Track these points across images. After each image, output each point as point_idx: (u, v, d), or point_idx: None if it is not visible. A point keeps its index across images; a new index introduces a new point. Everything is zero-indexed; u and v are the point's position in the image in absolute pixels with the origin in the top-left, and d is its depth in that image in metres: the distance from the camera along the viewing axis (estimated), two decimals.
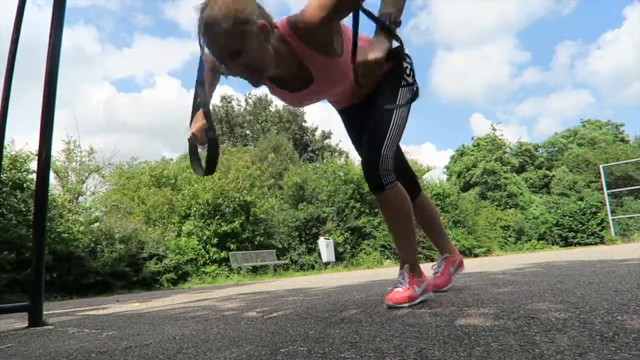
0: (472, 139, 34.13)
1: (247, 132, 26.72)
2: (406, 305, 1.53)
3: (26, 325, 2.07)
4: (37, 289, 2.08)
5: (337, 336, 1.09)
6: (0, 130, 2.08)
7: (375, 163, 1.50)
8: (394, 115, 1.54)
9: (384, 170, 1.50)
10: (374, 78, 1.33)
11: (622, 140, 33.43)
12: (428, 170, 19.11)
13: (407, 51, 1.49)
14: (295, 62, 1.37)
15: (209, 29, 1.22)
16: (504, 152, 30.70)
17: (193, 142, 1.55)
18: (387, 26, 1.28)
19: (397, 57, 1.43)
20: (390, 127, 1.53)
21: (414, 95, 1.56)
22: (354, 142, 1.88)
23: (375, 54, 1.25)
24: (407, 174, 1.82)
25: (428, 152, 56.46)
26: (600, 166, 21.19)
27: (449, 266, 1.95)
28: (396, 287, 1.60)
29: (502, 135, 30.97)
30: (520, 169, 31.23)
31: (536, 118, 65.63)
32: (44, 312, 2.16)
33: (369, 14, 1.30)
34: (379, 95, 1.59)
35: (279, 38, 1.31)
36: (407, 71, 1.58)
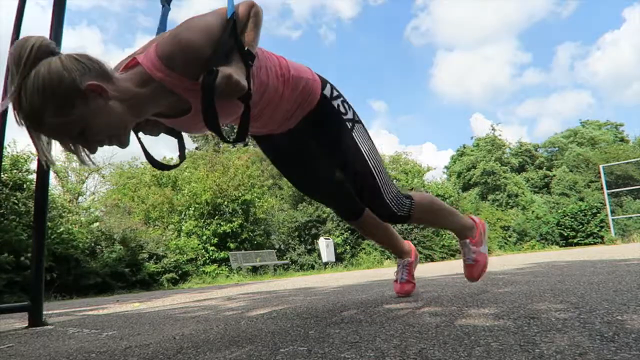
0: (472, 139, 34.18)
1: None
2: (486, 272, 1.72)
3: (26, 325, 2.07)
4: (37, 289, 2.08)
5: (337, 336, 1.09)
6: (0, 130, 2.08)
7: (393, 216, 1.48)
8: (368, 161, 1.42)
9: (399, 209, 1.46)
10: (232, 96, 1.02)
11: (622, 140, 33.46)
12: (428, 170, 19.13)
13: (328, 89, 1.40)
14: (166, 95, 1.04)
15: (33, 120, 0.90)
16: (504, 153, 30.72)
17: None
18: (248, 55, 1.06)
19: (323, 105, 1.36)
20: (374, 173, 1.42)
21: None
22: (282, 170, 1.73)
23: (235, 73, 1.00)
24: (349, 197, 1.64)
25: (428, 152, 56.55)
26: (600, 166, 21.19)
27: (411, 269, 1.94)
28: (466, 261, 1.71)
29: (501, 135, 31.01)
30: (520, 169, 31.24)
31: (536, 118, 65.71)
32: (44, 312, 2.16)
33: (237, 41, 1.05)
34: (337, 152, 1.44)
35: (143, 81, 1.00)
36: (342, 109, 1.43)
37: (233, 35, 1.04)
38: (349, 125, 1.43)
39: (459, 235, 1.73)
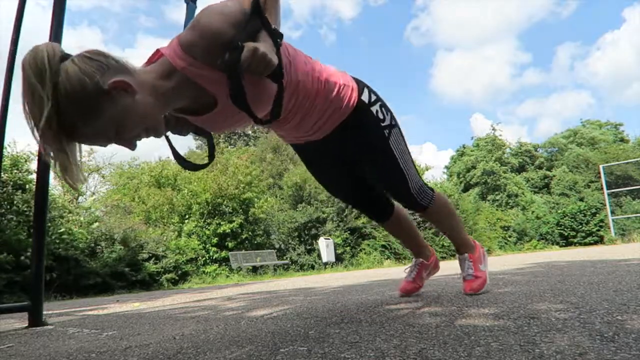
0: (472, 139, 34.17)
1: (249, 132, 26.74)
2: (485, 287, 1.74)
3: (26, 325, 2.07)
4: (37, 289, 2.08)
5: (337, 336, 1.09)
6: (0, 130, 2.08)
7: (416, 204, 1.57)
8: (401, 165, 1.47)
9: (422, 197, 1.56)
10: (262, 71, 0.96)
11: (622, 140, 33.45)
12: (427, 170, 19.15)
13: (366, 94, 1.38)
14: (190, 87, 1.00)
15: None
16: (504, 153, 30.72)
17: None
18: (275, 34, 1.02)
19: (361, 111, 1.35)
20: (406, 176, 1.49)
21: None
22: (320, 178, 1.72)
23: (265, 48, 0.95)
24: (378, 195, 1.70)
25: (429, 152, 56.60)
26: (600, 166, 21.19)
27: (422, 271, 1.96)
28: (466, 277, 1.75)
29: (501, 135, 31.01)
30: (520, 169, 31.24)
31: (536, 118, 65.81)
32: (44, 312, 2.16)
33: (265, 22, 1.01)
34: (372, 158, 1.48)
35: (167, 72, 0.96)
36: (381, 115, 1.41)
37: (257, 13, 0.99)
38: (386, 132, 1.43)
39: (459, 250, 1.78)
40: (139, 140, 0.99)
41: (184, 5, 1.25)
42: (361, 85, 1.40)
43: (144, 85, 0.93)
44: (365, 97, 1.39)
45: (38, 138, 0.82)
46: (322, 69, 1.27)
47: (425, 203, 1.57)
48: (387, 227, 1.82)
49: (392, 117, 1.46)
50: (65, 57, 0.86)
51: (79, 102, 0.83)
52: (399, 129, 1.48)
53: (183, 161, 1.17)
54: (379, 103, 1.42)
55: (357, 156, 1.50)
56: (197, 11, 1.25)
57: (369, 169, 1.56)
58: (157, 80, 0.95)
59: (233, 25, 0.95)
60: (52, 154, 0.84)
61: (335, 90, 1.29)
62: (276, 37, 1.01)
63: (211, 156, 1.21)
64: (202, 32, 0.94)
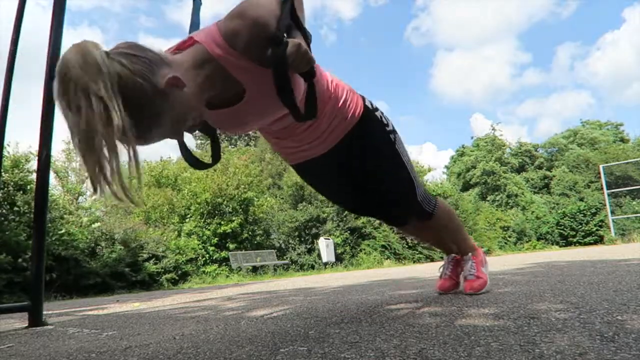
0: (472, 139, 34.17)
1: (250, 132, 26.71)
2: (485, 287, 1.74)
3: (26, 325, 2.07)
4: (37, 289, 2.08)
5: (337, 336, 1.09)
6: (0, 130, 2.08)
7: (422, 212, 1.56)
8: (409, 172, 1.46)
9: (427, 205, 1.56)
10: (303, 67, 0.96)
11: (622, 140, 33.46)
12: (430, 171, 19.17)
13: (368, 102, 1.39)
14: (221, 78, 0.97)
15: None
16: (504, 153, 30.72)
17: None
18: (305, 31, 1.04)
19: (367, 117, 1.34)
20: (414, 183, 1.48)
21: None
22: (325, 193, 1.69)
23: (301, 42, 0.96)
24: (392, 209, 1.61)
25: (429, 152, 56.63)
26: (600, 166, 21.19)
27: (457, 267, 1.90)
28: (467, 277, 1.76)
29: (501, 135, 31.01)
30: (520, 169, 31.24)
31: (537, 118, 65.89)
32: (44, 312, 2.16)
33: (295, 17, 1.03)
34: (381, 165, 1.45)
35: (201, 61, 0.93)
36: (384, 120, 1.43)
37: (291, 12, 1.00)
38: (392, 137, 1.42)
39: (462, 252, 1.80)
40: (194, 130, 0.99)
41: (184, 5, 1.24)
42: (362, 96, 1.40)
43: (186, 75, 0.89)
44: (368, 104, 1.39)
45: (103, 148, 0.72)
46: (331, 76, 1.27)
47: (430, 209, 1.57)
48: (406, 231, 1.81)
49: (392, 124, 1.46)
50: (107, 55, 0.78)
51: (137, 108, 0.78)
52: (399, 135, 1.48)
53: (190, 157, 1.13)
54: (379, 111, 1.43)
55: (364, 164, 1.46)
56: (202, 8, 1.25)
57: (375, 178, 1.50)
58: (192, 69, 0.92)
59: (276, 19, 0.94)
60: (113, 165, 0.74)
61: (343, 97, 1.28)
62: (308, 36, 1.03)
63: (216, 157, 1.18)
64: (250, 22, 0.91)
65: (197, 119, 0.96)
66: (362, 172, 1.48)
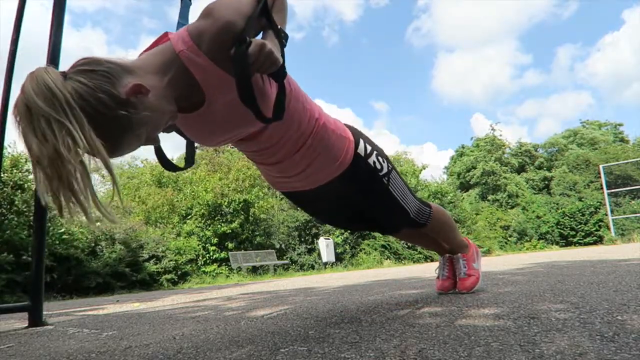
0: (472, 139, 34.15)
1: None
2: (478, 284, 1.80)
3: (26, 325, 2.07)
4: (37, 289, 2.08)
5: (337, 336, 1.09)
6: (0, 130, 2.08)
7: (415, 224, 1.57)
8: (402, 204, 1.46)
9: (420, 218, 1.57)
10: (267, 68, 0.94)
11: (622, 140, 33.46)
12: (424, 168, 19.19)
13: (362, 147, 1.34)
14: (184, 78, 0.94)
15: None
16: (504, 153, 30.70)
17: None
18: (281, 33, 1.02)
19: (357, 164, 1.31)
20: (406, 209, 1.48)
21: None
22: (316, 217, 1.72)
23: (272, 45, 0.94)
24: (381, 224, 1.65)
25: (429, 152, 56.66)
26: (600, 166, 21.19)
27: (453, 266, 1.91)
28: (460, 276, 1.80)
29: (501, 135, 30.99)
30: (520, 170, 31.23)
31: (537, 119, 65.86)
32: (44, 312, 2.16)
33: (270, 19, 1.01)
34: (372, 204, 1.47)
35: (167, 61, 0.92)
36: (378, 165, 1.37)
37: (265, 12, 0.99)
38: (385, 180, 1.40)
39: (453, 251, 1.82)
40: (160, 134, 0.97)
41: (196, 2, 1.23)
42: (357, 137, 1.35)
43: (150, 79, 0.88)
44: (361, 149, 1.34)
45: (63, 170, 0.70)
46: (321, 114, 1.24)
47: (424, 221, 1.59)
48: (398, 237, 1.83)
49: (389, 163, 1.43)
50: (65, 76, 0.78)
51: (104, 123, 0.77)
52: (395, 170, 1.46)
53: (165, 160, 1.13)
54: (375, 152, 1.38)
55: (356, 203, 1.48)
56: (192, 7, 1.25)
57: (367, 211, 1.54)
58: (156, 73, 0.90)
59: (244, 19, 0.93)
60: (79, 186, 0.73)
61: (331, 139, 1.24)
62: (282, 37, 1.01)
63: (189, 161, 1.18)
64: (215, 22, 0.90)
65: (171, 121, 0.95)
66: (353, 206, 1.52)
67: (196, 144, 1.22)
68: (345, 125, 1.37)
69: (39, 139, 0.70)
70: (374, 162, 1.36)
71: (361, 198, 1.45)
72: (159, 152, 1.11)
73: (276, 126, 1.10)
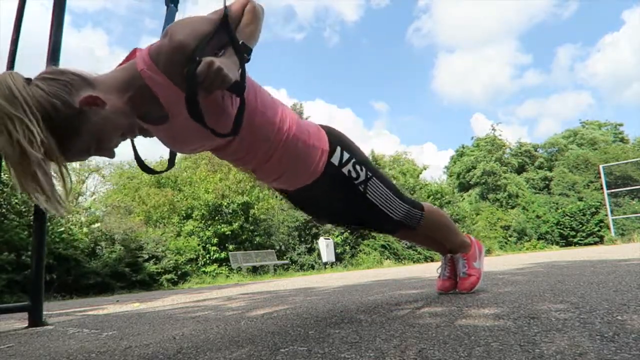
0: (472, 139, 34.16)
1: None
2: (478, 284, 1.80)
3: (26, 325, 2.07)
4: (37, 289, 2.08)
5: (337, 336, 1.09)
6: None
7: (403, 226, 1.57)
8: (384, 210, 1.45)
9: (409, 221, 1.56)
10: (216, 85, 0.96)
11: (622, 140, 33.47)
12: (424, 169, 19.20)
13: (337, 155, 1.33)
14: (147, 94, 1.00)
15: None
16: (504, 153, 30.71)
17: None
18: (242, 49, 1.04)
19: (330, 173, 1.32)
20: (389, 215, 1.47)
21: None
22: (310, 214, 1.69)
23: (222, 63, 0.96)
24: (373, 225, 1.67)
25: (429, 152, 56.62)
26: (600, 166, 21.19)
27: (454, 266, 1.91)
28: (460, 276, 1.80)
29: (501, 135, 31.00)
30: (520, 170, 31.23)
31: (537, 119, 65.84)
32: (44, 312, 2.16)
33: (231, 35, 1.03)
34: (351, 210, 1.49)
35: (130, 78, 0.98)
36: (354, 174, 1.37)
37: (225, 29, 1.01)
38: (362, 188, 1.39)
39: (453, 251, 1.81)
40: (117, 147, 1.01)
41: (188, 8, 1.25)
42: (334, 145, 1.34)
43: (111, 94, 0.94)
44: (336, 158, 1.33)
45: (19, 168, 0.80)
46: (293, 124, 1.24)
47: (414, 224, 1.57)
48: (397, 237, 1.83)
49: (368, 170, 1.41)
50: (27, 81, 0.86)
51: (55, 126, 0.84)
52: (376, 176, 1.43)
53: (142, 164, 1.20)
54: (352, 161, 1.36)
55: (337, 204, 1.50)
56: (178, 16, 1.29)
57: (348, 212, 1.55)
58: (117, 90, 0.96)
59: (196, 39, 0.97)
60: (38, 179, 0.81)
61: (301, 149, 1.26)
62: (243, 52, 1.03)
63: (170, 163, 1.23)
64: (169, 41, 0.96)
65: (127, 135, 1.02)
66: (337, 207, 1.53)
67: None
68: (328, 130, 1.37)
69: (3, 134, 0.79)
70: (349, 171, 1.36)
71: (338, 203, 1.47)
72: (138, 157, 1.19)
73: (242, 139, 1.15)
